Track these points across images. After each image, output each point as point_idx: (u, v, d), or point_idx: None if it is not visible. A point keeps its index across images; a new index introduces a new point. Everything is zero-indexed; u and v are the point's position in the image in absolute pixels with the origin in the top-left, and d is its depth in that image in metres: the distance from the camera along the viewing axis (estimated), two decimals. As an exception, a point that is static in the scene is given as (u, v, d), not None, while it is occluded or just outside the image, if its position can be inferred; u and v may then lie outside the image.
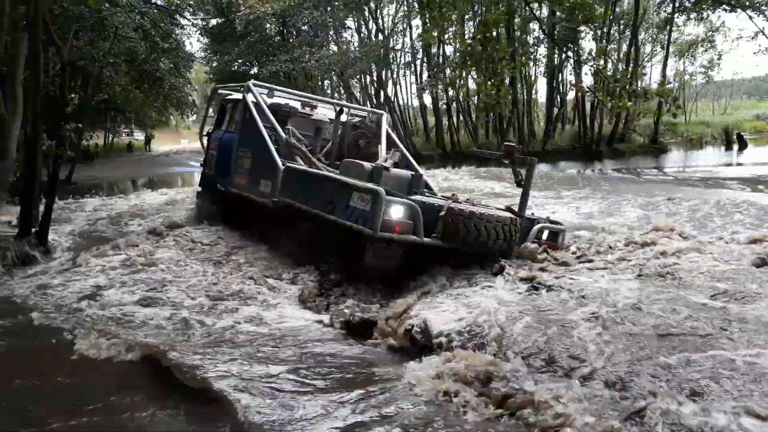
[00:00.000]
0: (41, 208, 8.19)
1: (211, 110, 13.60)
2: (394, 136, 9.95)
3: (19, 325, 5.15)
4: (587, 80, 28.42)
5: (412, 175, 7.81)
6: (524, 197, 6.78)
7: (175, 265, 7.02)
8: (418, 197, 6.59)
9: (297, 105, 9.74)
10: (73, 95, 8.06)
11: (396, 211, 5.85)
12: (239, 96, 9.50)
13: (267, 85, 10.05)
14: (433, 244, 5.98)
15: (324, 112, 9.95)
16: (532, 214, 7.22)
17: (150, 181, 22.67)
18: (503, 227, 6.19)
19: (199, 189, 10.97)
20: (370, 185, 6.09)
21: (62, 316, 5.26)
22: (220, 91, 11.78)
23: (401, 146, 9.49)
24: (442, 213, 5.99)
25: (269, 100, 9.15)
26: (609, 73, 7.24)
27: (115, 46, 19.12)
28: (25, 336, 4.89)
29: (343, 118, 9.43)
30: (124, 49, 19.65)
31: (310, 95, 10.96)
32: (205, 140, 11.03)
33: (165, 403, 3.65)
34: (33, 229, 7.88)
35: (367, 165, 7.41)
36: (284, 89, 10.71)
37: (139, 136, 49.38)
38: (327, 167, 8.13)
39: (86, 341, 4.52)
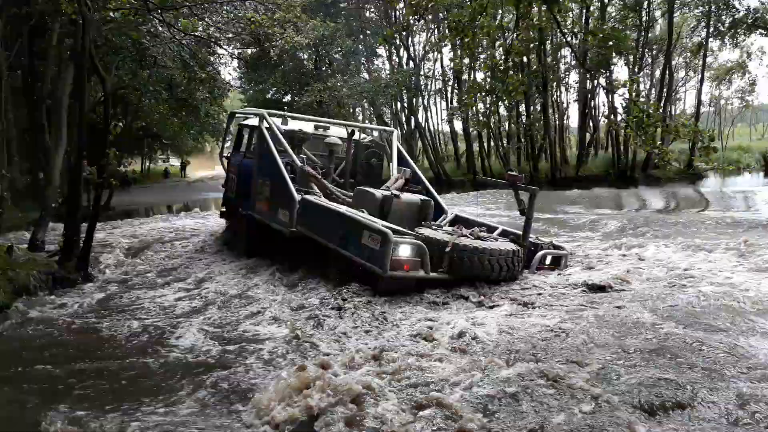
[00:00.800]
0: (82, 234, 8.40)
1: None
2: (405, 153, 10.20)
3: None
4: (620, 106, 28.20)
5: (421, 200, 8.25)
6: (527, 225, 7.20)
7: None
8: (425, 231, 6.96)
9: (310, 128, 10.04)
10: (115, 123, 8.31)
11: (404, 251, 6.28)
12: (255, 121, 9.77)
13: (280, 112, 10.35)
14: (440, 278, 6.41)
15: (337, 132, 10.16)
16: (537, 238, 7.71)
17: (185, 205, 23.07)
18: (506, 260, 6.61)
19: (223, 209, 11.33)
20: (380, 226, 6.45)
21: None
22: (237, 115, 12.16)
23: (412, 163, 9.87)
24: (448, 249, 6.42)
25: (284, 127, 9.39)
26: (641, 106, 7.10)
27: (155, 75, 19.66)
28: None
29: (355, 137, 9.73)
30: (162, 78, 20.19)
31: (321, 119, 11.20)
32: (225, 162, 11.39)
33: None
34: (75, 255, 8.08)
35: (378, 194, 7.84)
36: (297, 115, 11.10)
37: (175, 162, 50.36)
38: (341, 191, 8.56)
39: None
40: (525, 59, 27.95)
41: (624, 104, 7.48)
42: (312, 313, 5.98)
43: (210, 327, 5.80)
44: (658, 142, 7.53)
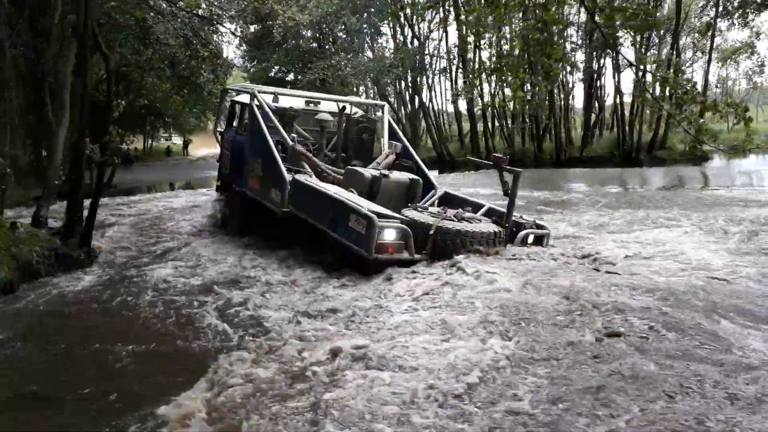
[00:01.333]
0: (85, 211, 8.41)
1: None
2: (396, 127, 10.28)
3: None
4: (624, 87, 27.98)
5: (410, 179, 8.43)
6: (510, 205, 7.39)
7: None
8: (410, 214, 7.16)
9: (301, 104, 10.06)
10: (117, 102, 8.29)
11: (389, 234, 6.54)
12: (246, 98, 9.78)
13: (271, 89, 10.39)
14: (424, 260, 6.59)
15: (328, 107, 10.19)
16: (521, 217, 7.91)
17: (188, 183, 23.10)
18: (488, 241, 6.86)
19: (218, 183, 11.45)
20: (366, 210, 6.66)
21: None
22: (229, 91, 12.17)
23: (403, 138, 9.97)
24: (431, 232, 6.67)
25: (275, 105, 9.41)
26: (668, 81, 6.97)
27: (158, 53, 19.57)
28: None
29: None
30: (165, 56, 20.10)
31: (312, 93, 11.17)
32: (219, 138, 11.46)
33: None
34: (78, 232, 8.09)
35: (368, 174, 8.05)
36: (288, 91, 11.12)
37: (178, 140, 50.29)
38: (333, 169, 8.67)
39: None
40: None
41: (651, 80, 7.31)
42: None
43: (213, 301, 5.84)
44: (701, 120, 7.40)
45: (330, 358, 3.82)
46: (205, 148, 49.25)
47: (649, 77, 10.56)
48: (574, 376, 3.31)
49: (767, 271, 5.57)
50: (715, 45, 34.12)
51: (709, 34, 31.82)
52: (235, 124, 10.92)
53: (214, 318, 5.43)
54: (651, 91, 7.07)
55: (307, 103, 10.24)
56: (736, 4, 29.26)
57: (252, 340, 4.67)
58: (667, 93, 7.04)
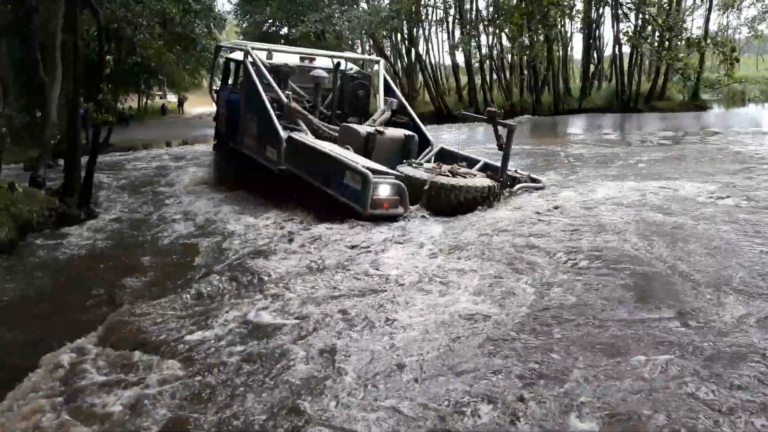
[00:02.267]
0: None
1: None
2: (391, 83, 10.33)
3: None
4: (624, 26, 27.35)
5: (405, 135, 8.52)
6: (505, 159, 7.46)
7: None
8: (405, 170, 7.30)
9: (296, 60, 10.03)
10: (109, 57, 8.19)
11: (384, 190, 6.67)
12: (240, 56, 9.72)
13: (265, 46, 10.32)
14: (419, 214, 6.69)
15: (323, 63, 10.14)
16: (515, 171, 7.95)
17: (184, 141, 23.05)
18: (482, 195, 6.97)
19: (215, 142, 11.48)
20: (361, 167, 6.77)
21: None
22: (223, 48, 12.04)
23: (399, 93, 10.06)
24: (426, 187, 6.80)
25: (269, 62, 9.37)
26: (655, 20, 6.88)
27: (148, 8, 19.18)
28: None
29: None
30: (156, 11, 19.71)
31: (306, 49, 11.06)
32: (215, 96, 11.39)
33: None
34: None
35: (363, 131, 8.12)
36: (282, 47, 11.05)
37: (173, 98, 49.71)
38: (328, 126, 8.71)
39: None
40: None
41: (640, 20, 7.22)
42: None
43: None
44: (681, 55, 7.35)
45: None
46: (201, 105, 48.70)
47: (632, 19, 10.40)
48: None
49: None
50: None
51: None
52: (230, 82, 10.84)
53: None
54: (640, 30, 6.98)
55: (302, 59, 10.16)
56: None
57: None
58: (652, 31, 6.94)
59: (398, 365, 3.15)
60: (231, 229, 7.00)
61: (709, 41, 6.38)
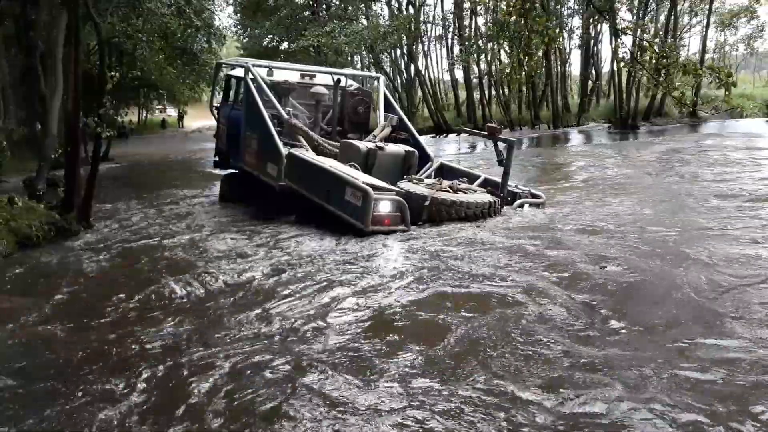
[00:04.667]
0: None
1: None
2: (391, 99, 10.35)
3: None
4: (621, 52, 27.58)
5: (405, 151, 8.53)
6: (505, 175, 7.58)
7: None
8: (406, 186, 7.27)
9: (296, 77, 10.04)
10: (112, 73, 8.22)
11: (384, 206, 6.67)
12: (241, 73, 9.73)
13: (266, 62, 10.34)
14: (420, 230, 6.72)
15: (323, 80, 10.18)
16: (516, 186, 8.03)
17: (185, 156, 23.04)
18: (482, 210, 7.02)
19: (216, 159, 11.40)
20: (361, 183, 6.73)
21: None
22: (223, 65, 12.08)
23: (399, 110, 10.08)
24: (427, 203, 6.82)
25: (269, 79, 9.39)
26: (651, 46, 6.89)
27: (149, 23, 19.25)
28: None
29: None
30: (157, 26, 19.78)
31: (307, 66, 11.11)
32: (215, 112, 11.39)
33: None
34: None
35: (363, 147, 8.14)
36: (282, 64, 11.11)
37: (172, 112, 49.83)
38: (329, 142, 8.69)
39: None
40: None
41: (636, 46, 7.26)
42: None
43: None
44: (677, 84, 7.36)
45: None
46: (200, 119, 48.85)
47: (629, 42, 10.43)
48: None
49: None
50: (713, 9, 33.68)
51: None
52: (231, 98, 10.83)
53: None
54: (636, 56, 6.97)
55: (302, 76, 10.18)
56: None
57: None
58: (648, 58, 6.95)
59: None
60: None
61: (705, 69, 6.40)
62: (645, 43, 7.08)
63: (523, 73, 10.15)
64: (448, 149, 23.68)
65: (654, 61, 6.80)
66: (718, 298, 4.26)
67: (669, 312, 4.05)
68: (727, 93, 6.56)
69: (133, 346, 3.95)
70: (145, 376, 3.45)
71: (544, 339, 3.63)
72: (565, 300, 4.32)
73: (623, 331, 3.78)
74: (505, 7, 7.87)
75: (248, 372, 3.42)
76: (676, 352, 3.44)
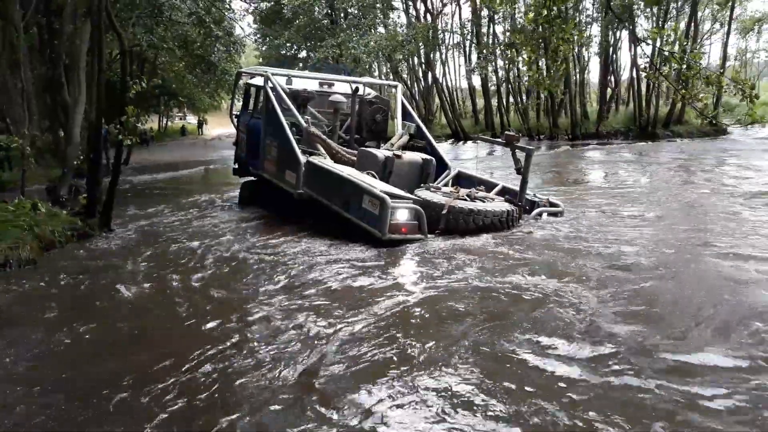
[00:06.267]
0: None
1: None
2: (409, 107, 10.38)
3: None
4: (642, 61, 27.37)
5: (423, 159, 8.53)
6: (523, 183, 7.55)
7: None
8: (423, 194, 7.29)
9: (315, 85, 10.13)
10: (136, 81, 8.37)
11: (402, 215, 6.67)
12: (260, 81, 9.83)
13: (285, 71, 10.42)
14: (437, 239, 6.66)
15: (341, 89, 10.25)
16: (534, 195, 8.00)
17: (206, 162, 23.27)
18: (500, 219, 6.99)
19: (235, 166, 11.53)
20: (379, 191, 6.75)
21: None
22: (244, 74, 12.20)
23: (416, 118, 10.08)
24: (444, 211, 6.81)
25: (288, 87, 9.48)
26: (674, 56, 6.80)
27: (169, 32, 19.54)
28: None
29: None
30: (178, 35, 20.09)
31: (325, 75, 11.19)
32: (235, 120, 11.50)
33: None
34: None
35: (381, 155, 8.17)
36: (301, 73, 11.18)
37: (192, 120, 50.40)
38: (347, 150, 8.73)
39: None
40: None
41: (657, 55, 7.18)
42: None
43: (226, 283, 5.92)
44: (701, 95, 7.26)
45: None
46: (220, 126, 49.33)
47: (648, 49, 10.34)
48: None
49: None
50: (734, 16, 33.36)
51: (729, 4, 31.10)
52: (250, 106, 10.95)
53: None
54: (657, 66, 6.88)
55: (321, 84, 10.27)
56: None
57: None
58: (670, 67, 6.86)
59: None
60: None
61: (727, 81, 6.32)
62: (666, 52, 6.99)
63: (546, 78, 10.08)
64: (466, 153, 23.66)
65: (676, 72, 6.71)
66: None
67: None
68: (750, 105, 6.46)
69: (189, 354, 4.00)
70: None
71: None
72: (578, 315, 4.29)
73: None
74: (531, 15, 7.80)
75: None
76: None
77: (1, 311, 5.08)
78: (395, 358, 3.63)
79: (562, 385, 3.19)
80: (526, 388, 3.16)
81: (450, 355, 3.62)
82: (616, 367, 3.37)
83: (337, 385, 3.34)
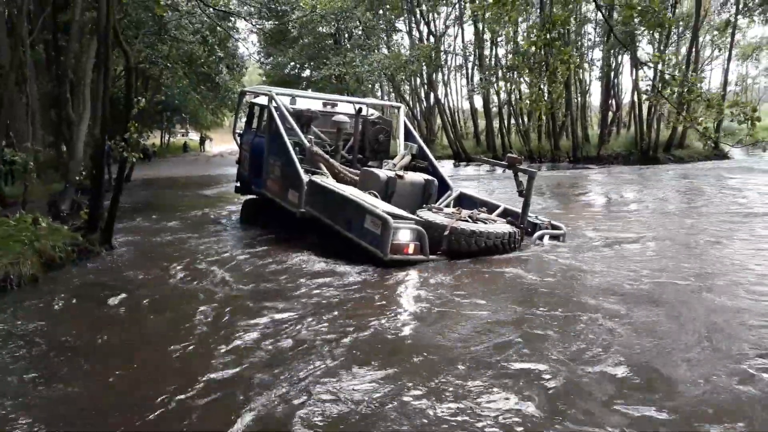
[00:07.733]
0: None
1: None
2: (411, 127, 10.41)
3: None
4: (644, 85, 27.48)
5: (425, 180, 8.55)
6: (525, 206, 7.53)
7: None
8: (425, 215, 7.26)
9: (318, 105, 10.20)
10: (139, 98, 8.45)
11: (404, 235, 6.65)
12: (264, 100, 9.90)
13: (289, 91, 10.53)
14: (439, 259, 6.71)
15: (344, 109, 10.33)
16: (536, 217, 8.01)
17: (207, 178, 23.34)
18: (502, 241, 6.96)
19: (237, 185, 11.57)
20: (381, 211, 6.74)
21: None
22: (247, 93, 12.30)
23: (419, 138, 10.14)
24: (446, 233, 6.77)
25: (292, 107, 9.53)
26: (675, 79, 6.84)
27: (174, 50, 19.71)
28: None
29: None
30: (182, 53, 20.27)
31: (329, 95, 11.29)
32: (238, 139, 11.57)
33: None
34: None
35: (383, 175, 8.18)
36: (305, 93, 11.27)
37: (194, 136, 50.63)
38: (350, 170, 8.77)
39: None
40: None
41: (659, 79, 7.21)
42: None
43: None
44: (700, 119, 7.31)
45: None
46: (222, 144, 49.58)
47: (650, 73, 10.41)
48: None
49: None
50: (735, 41, 33.59)
51: (729, 31, 31.34)
52: (253, 125, 11.02)
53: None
54: (659, 89, 6.91)
55: (324, 104, 10.36)
56: (757, 0, 28.82)
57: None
58: (671, 91, 6.89)
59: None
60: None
61: (728, 104, 6.36)
62: (667, 76, 7.03)
63: (544, 101, 10.12)
64: (467, 173, 23.68)
65: (677, 95, 6.76)
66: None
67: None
68: (751, 127, 6.48)
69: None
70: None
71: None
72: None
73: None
74: (533, 37, 7.86)
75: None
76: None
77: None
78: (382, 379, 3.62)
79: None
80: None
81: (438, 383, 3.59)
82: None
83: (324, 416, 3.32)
